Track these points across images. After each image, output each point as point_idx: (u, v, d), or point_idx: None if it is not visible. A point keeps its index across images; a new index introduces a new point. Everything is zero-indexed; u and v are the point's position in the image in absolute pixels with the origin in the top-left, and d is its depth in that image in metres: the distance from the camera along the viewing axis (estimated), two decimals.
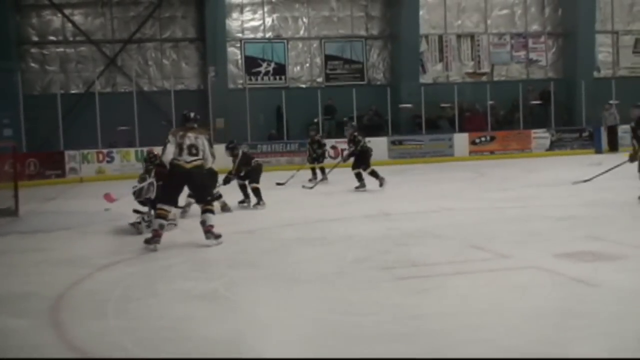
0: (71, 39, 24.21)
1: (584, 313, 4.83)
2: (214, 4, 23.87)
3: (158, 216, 7.92)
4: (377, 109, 24.34)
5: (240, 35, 25.09)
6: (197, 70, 24.95)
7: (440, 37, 26.19)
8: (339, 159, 16.10)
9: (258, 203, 11.70)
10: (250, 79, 24.76)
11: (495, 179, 16.11)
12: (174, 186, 8.13)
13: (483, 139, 23.61)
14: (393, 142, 23.04)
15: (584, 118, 24.63)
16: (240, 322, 4.97)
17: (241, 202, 12.01)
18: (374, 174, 14.00)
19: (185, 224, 9.58)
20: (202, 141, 8.08)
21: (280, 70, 25.31)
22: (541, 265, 6.21)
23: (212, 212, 8.03)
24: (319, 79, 25.66)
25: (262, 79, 25.15)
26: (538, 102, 25.41)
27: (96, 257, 7.50)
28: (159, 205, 8.04)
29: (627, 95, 23.58)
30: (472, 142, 23.46)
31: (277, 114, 23.64)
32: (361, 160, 14.15)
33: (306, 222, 9.83)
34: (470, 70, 26.49)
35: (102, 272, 6.81)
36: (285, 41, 25.36)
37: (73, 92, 23.88)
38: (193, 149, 7.94)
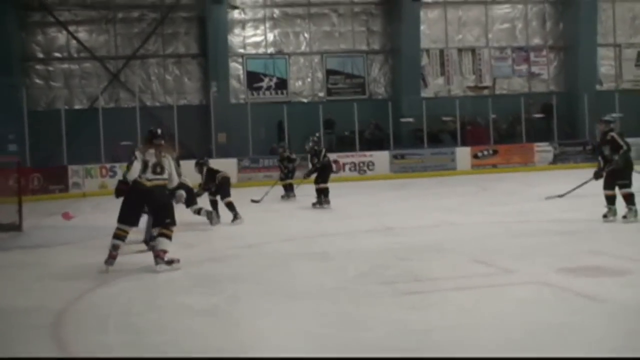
0: (75, 55, 24.39)
1: (589, 328, 4.81)
2: (216, 21, 24.04)
3: (115, 236, 7.62)
4: (378, 123, 24.37)
5: (242, 50, 25.22)
6: (200, 85, 25.06)
7: (442, 51, 26.28)
8: (305, 171, 15.69)
9: (235, 217, 11.54)
10: (252, 94, 24.87)
11: (498, 192, 16.10)
12: (132, 205, 7.71)
13: (485, 152, 23.62)
14: (395, 156, 23.05)
15: (587, 131, 24.61)
16: (242, 337, 4.96)
17: None
18: (324, 191, 13.82)
19: (185, 239, 9.56)
20: (169, 161, 7.80)
21: (281, 85, 25.41)
22: (545, 280, 6.18)
23: (167, 237, 7.59)
24: (321, 94, 25.74)
25: (264, 93, 25.25)
26: (540, 115, 25.42)
27: (98, 272, 7.47)
28: (117, 225, 7.70)
29: (631, 108, 23.67)
30: (475, 156, 23.47)
31: (278, 128, 23.70)
32: (319, 174, 14.06)
33: (307, 237, 9.82)
34: (472, 84, 26.56)
35: (104, 286, 6.81)
36: (286, 56, 25.48)
37: (77, 107, 24.05)
38: (158, 168, 7.65)
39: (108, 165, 20.84)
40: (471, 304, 5.57)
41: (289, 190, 16.25)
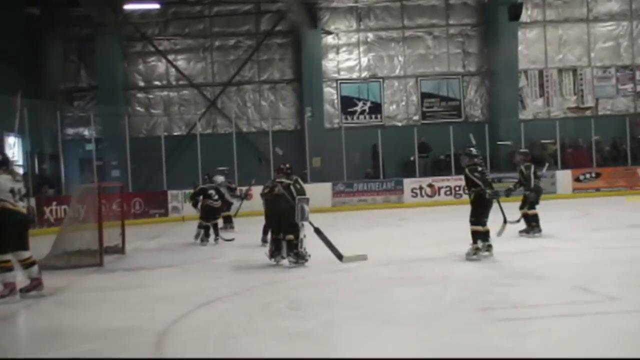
0: (174, 83, 25.37)
1: None
2: (310, 46, 24.41)
3: (6, 270, 7.58)
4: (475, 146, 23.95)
5: (336, 75, 25.47)
6: (294, 110, 25.46)
7: (541, 72, 25.69)
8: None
9: (217, 239, 13.12)
10: (346, 118, 25.05)
11: (601, 217, 15.45)
12: (19, 233, 7.72)
13: (587, 175, 22.77)
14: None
15: None
16: None
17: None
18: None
19: (283, 262, 9.64)
20: (22, 186, 7.83)
21: (376, 109, 25.46)
22: None
23: (36, 262, 7.85)
24: (415, 117, 25.61)
25: (358, 118, 25.38)
26: None
27: (197, 294, 7.65)
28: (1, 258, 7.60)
29: None
30: (576, 179, 22.66)
31: (372, 152, 23.70)
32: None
33: (402, 261, 9.72)
34: (573, 105, 25.77)
35: (202, 309, 6.94)
36: (381, 80, 25.52)
37: (175, 133, 24.94)
38: (20, 194, 7.72)
39: None
40: (572, 333, 5.34)
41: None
